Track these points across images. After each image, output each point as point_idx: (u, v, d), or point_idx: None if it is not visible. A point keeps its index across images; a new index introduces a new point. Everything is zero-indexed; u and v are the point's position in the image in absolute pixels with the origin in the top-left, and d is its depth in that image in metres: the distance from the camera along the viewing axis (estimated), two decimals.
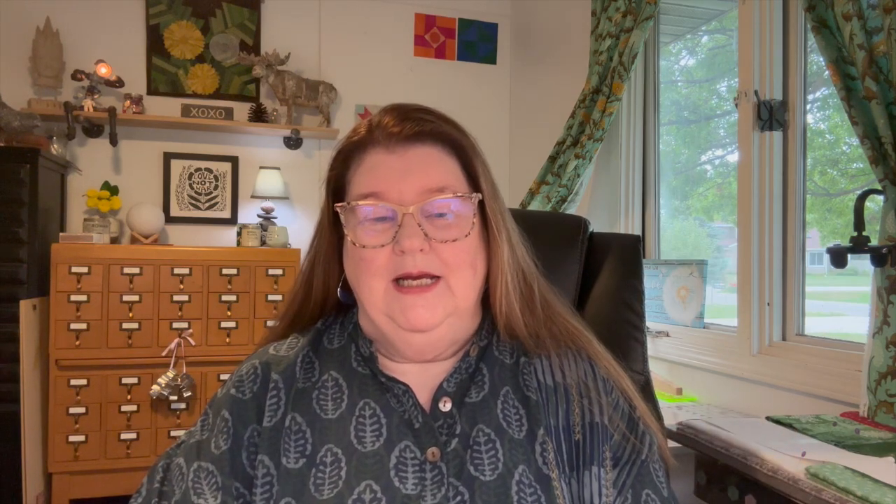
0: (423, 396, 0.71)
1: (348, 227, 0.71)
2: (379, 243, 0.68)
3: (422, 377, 0.72)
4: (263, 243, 3.04)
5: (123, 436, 2.66)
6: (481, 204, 0.72)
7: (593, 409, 0.71)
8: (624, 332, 1.11)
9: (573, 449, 0.69)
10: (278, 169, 3.22)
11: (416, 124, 0.71)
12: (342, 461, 0.66)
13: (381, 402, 0.70)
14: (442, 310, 0.68)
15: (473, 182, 0.73)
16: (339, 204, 0.71)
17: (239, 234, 3.07)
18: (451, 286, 0.69)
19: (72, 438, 2.60)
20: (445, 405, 0.70)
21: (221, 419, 0.70)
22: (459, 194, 0.70)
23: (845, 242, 1.39)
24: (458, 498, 0.64)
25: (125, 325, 2.67)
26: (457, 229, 0.69)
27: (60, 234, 2.78)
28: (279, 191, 3.17)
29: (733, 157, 2.32)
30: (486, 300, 0.77)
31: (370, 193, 0.69)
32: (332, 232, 0.76)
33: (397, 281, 0.68)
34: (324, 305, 0.79)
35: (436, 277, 0.68)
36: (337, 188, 0.75)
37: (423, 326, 0.68)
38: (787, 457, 1.14)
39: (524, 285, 0.75)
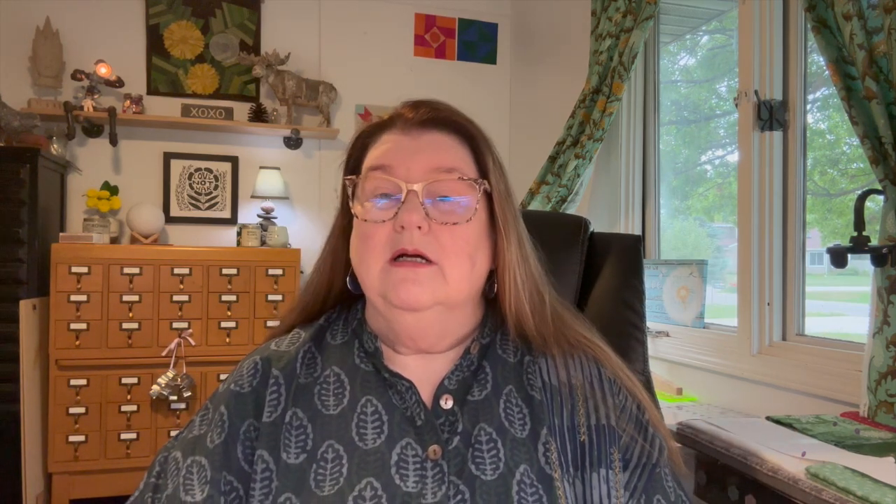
0: (425, 393, 0.70)
1: (355, 201, 0.72)
2: (381, 218, 0.69)
3: (424, 372, 0.72)
4: (263, 243, 3.04)
5: (123, 436, 2.66)
6: (489, 197, 0.73)
7: (599, 410, 0.71)
8: (625, 331, 1.11)
9: (578, 449, 0.69)
10: (278, 169, 3.22)
11: (431, 111, 0.73)
12: (343, 458, 0.66)
13: (383, 398, 0.70)
14: (431, 292, 0.68)
15: (483, 173, 0.74)
16: (349, 176, 0.74)
17: (239, 234, 3.07)
18: (445, 273, 0.68)
19: (72, 438, 2.60)
20: (447, 402, 0.70)
21: (218, 413, 0.70)
22: (465, 178, 0.71)
23: (845, 242, 1.39)
24: (459, 497, 0.64)
25: (125, 325, 2.67)
26: (458, 215, 0.70)
27: (60, 234, 2.78)
28: (279, 191, 3.17)
29: (733, 158, 2.32)
30: (491, 298, 0.77)
31: (379, 166, 0.71)
32: (343, 215, 0.77)
33: (393, 259, 0.69)
34: (326, 299, 0.80)
35: (431, 262, 0.68)
36: (354, 169, 0.77)
37: (412, 303, 0.67)
38: (787, 457, 1.14)
39: (536, 291, 0.75)
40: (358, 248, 0.71)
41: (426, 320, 0.70)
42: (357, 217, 0.71)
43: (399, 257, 0.68)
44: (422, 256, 0.68)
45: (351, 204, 0.73)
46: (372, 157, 0.73)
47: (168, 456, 0.71)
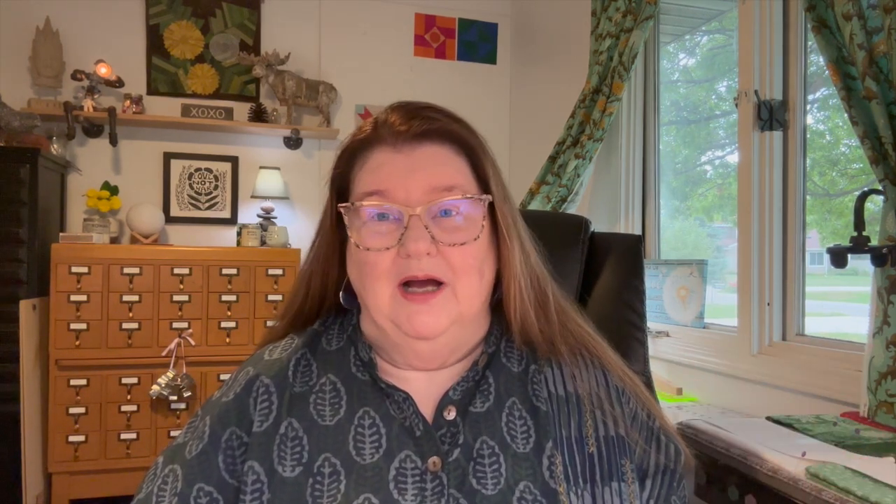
0: (427, 404, 0.68)
1: (352, 229, 0.67)
2: (384, 246, 0.65)
3: (426, 386, 0.70)
4: (263, 243, 3.04)
5: (123, 436, 2.66)
6: (491, 206, 0.69)
7: (607, 421, 0.69)
8: (625, 331, 1.11)
9: (587, 461, 0.67)
10: (278, 169, 3.22)
11: (424, 122, 0.67)
12: (341, 474, 0.64)
13: (380, 410, 0.68)
14: (447, 317, 0.66)
15: (483, 183, 0.70)
16: (343, 204, 0.68)
17: (239, 234, 3.07)
18: (457, 292, 0.66)
19: (72, 438, 2.60)
20: (450, 414, 0.68)
21: (202, 422, 0.69)
22: (469, 195, 0.67)
23: (845, 243, 1.39)
24: None
25: (125, 325, 2.67)
26: (465, 232, 0.66)
27: (60, 234, 2.78)
28: (279, 191, 3.17)
29: (733, 158, 2.32)
30: (495, 305, 0.75)
31: (375, 192, 0.66)
32: (333, 233, 0.73)
33: (403, 286, 0.65)
34: (321, 306, 0.77)
35: (440, 283, 0.65)
36: (341, 188, 0.72)
37: (428, 334, 0.65)
38: (787, 457, 1.14)
39: (539, 290, 0.72)
40: (360, 276, 0.67)
41: (441, 342, 0.68)
42: (357, 246, 0.67)
43: (408, 283, 0.65)
44: (433, 280, 0.65)
45: (348, 231, 0.68)
46: (365, 180, 0.68)
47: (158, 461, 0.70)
